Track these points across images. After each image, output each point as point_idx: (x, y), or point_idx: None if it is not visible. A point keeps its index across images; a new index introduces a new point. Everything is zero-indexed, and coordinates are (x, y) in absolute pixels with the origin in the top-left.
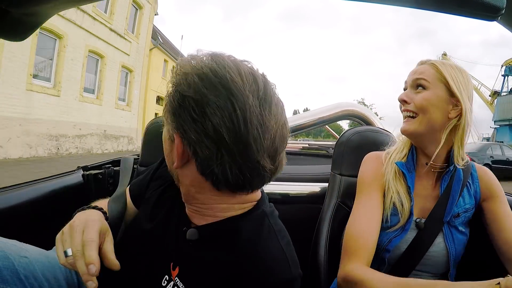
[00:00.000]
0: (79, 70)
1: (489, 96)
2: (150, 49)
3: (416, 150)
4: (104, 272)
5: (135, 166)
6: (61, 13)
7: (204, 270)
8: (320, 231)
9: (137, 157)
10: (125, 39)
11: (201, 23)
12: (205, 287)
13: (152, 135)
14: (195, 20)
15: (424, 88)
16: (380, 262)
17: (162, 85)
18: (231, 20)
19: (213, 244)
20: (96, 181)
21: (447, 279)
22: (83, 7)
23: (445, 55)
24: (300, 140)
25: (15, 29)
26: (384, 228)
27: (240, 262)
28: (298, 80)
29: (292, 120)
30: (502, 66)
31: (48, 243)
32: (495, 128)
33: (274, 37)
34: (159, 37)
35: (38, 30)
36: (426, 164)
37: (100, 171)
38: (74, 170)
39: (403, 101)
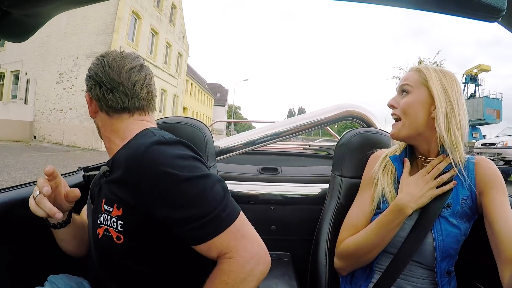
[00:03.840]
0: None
1: None
2: (187, 80)
3: (411, 146)
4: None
5: None
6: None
7: (116, 185)
8: (321, 232)
9: None
10: (175, 77)
11: (198, 21)
12: (120, 193)
13: None
14: (192, 19)
15: (407, 92)
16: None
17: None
18: (227, 16)
19: (118, 167)
20: None
21: (434, 272)
22: (152, 60)
23: (420, 62)
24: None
25: (16, 30)
26: (375, 213)
27: (125, 156)
28: (293, 80)
29: (293, 122)
30: (463, 74)
31: (48, 243)
32: None
33: (269, 36)
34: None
35: None
36: (417, 157)
37: None
38: (75, 171)
39: (391, 106)
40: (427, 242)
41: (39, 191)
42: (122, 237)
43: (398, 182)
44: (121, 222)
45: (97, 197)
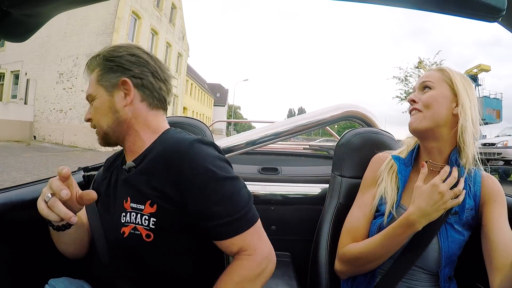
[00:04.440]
0: None
1: None
2: (187, 80)
3: (419, 149)
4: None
5: None
6: None
7: (153, 179)
8: (321, 232)
9: None
10: (175, 78)
11: (198, 21)
12: (159, 187)
13: None
14: (192, 19)
15: (430, 88)
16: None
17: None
18: (227, 17)
19: (145, 164)
20: None
21: (438, 277)
22: None
23: (420, 62)
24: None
25: (16, 30)
26: (375, 216)
27: (164, 150)
28: (293, 80)
29: (293, 122)
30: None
31: (48, 245)
32: None
33: (269, 36)
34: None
35: None
36: (426, 162)
37: None
38: (75, 171)
39: (412, 101)
40: (433, 248)
41: (51, 194)
42: (152, 235)
43: (401, 182)
44: (154, 219)
45: (112, 196)
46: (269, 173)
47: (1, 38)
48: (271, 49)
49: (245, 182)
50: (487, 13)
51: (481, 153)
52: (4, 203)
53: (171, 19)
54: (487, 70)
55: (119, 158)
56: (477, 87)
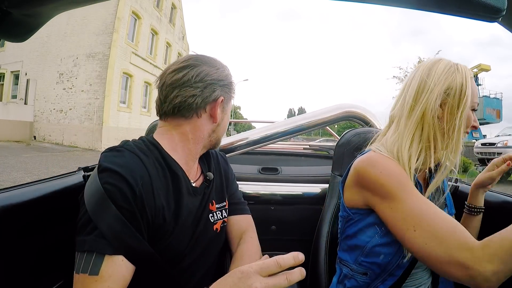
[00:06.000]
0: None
1: None
2: None
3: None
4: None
5: None
6: (133, 61)
7: (219, 184)
8: (320, 232)
9: None
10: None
11: (198, 21)
12: (225, 187)
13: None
14: (192, 19)
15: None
16: (391, 276)
17: None
18: (227, 17)
19: (216, 166)
20: None
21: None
22: (151, 61)
23: (420, 62)
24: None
25: (16, 30)
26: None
27: (217, 156)
28: (293, 80)
29: (293, 122)
30: None
31: (48, 242)
32: None
33: (269, 36)
34: None
35: (121, 73)
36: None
37: None
38: (75, 171)
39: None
40: None
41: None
42: (226, 221)
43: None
44: (227, 209)
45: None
46: (269, 173)
47: (1, 38)
48: (271, 49)
49: (245, 182)
50: (487, 13)
51: (481, 153)
52: (4, 203)
53: (171, 19)
54: (487, 70)
55: (162, 168)
56: (477, 86)
